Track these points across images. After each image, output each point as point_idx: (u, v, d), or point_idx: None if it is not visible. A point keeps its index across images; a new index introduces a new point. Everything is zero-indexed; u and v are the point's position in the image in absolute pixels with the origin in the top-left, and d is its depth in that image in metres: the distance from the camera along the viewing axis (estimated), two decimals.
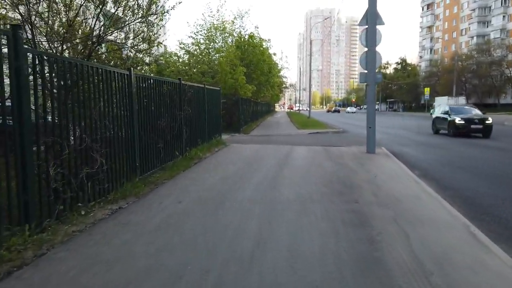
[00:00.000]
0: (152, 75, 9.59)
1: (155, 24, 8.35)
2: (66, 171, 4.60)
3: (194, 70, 21.46)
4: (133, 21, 7.32)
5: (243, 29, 26.87)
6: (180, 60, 22.80)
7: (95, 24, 7.10)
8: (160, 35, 8.66)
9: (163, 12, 7.52)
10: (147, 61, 9.04)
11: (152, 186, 6.62)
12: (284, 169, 8.10)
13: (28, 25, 6.85)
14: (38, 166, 4.14)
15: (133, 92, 6.57)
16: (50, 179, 4.28)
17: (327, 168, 8.27)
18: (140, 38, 7.65)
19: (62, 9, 7.15)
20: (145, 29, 7.59)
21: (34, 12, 6.97)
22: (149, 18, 7.49)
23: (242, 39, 25.86)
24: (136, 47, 7.55)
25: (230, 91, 20.44)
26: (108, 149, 5.64)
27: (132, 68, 6.59)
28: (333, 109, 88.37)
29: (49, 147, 4.31)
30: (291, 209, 5.00)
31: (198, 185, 6.63)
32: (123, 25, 7.25)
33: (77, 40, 7.20)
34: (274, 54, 31.69)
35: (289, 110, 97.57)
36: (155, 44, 7.81)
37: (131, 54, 7.72)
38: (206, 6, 40.41)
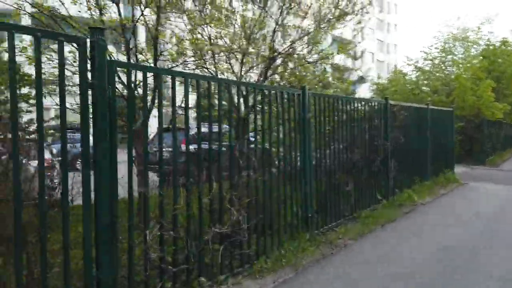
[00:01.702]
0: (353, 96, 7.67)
1: (354, 29, 6.45)
2: (177, 233, 3.23)
3: (424, 89, 18.09)
4: (323, 24, 5.62)
5: (492, 35, 21.40)
6: (407, 78, 19.78)
7: (273, 36, 5.81)
8: (360, 43, 6.68)
9: (362, 7, 5.51)
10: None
11: (327, 249, 4.63)
12: None
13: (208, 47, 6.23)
14: (129, 228, 2.90)
15: (306, 118, 4.84)
16: (148, 248, 2.98)
17: None
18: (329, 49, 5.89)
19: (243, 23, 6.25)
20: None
21: (216, 33, 6.32)
22: (342, 19, 5.64)
23: (491, 47, 20.51)
24: (311, 53, 5.79)
25: (471, 112, 16.07)
26: (256, 196, 4.05)
27: (306, 87, 4.87)
28: None
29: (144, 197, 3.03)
30: None
31: (395, 262, 4.20)
32: (306, 32, 5.67)
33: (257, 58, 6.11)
34: None
35: None
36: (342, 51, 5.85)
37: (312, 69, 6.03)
38: (442, 17, 35.36)
